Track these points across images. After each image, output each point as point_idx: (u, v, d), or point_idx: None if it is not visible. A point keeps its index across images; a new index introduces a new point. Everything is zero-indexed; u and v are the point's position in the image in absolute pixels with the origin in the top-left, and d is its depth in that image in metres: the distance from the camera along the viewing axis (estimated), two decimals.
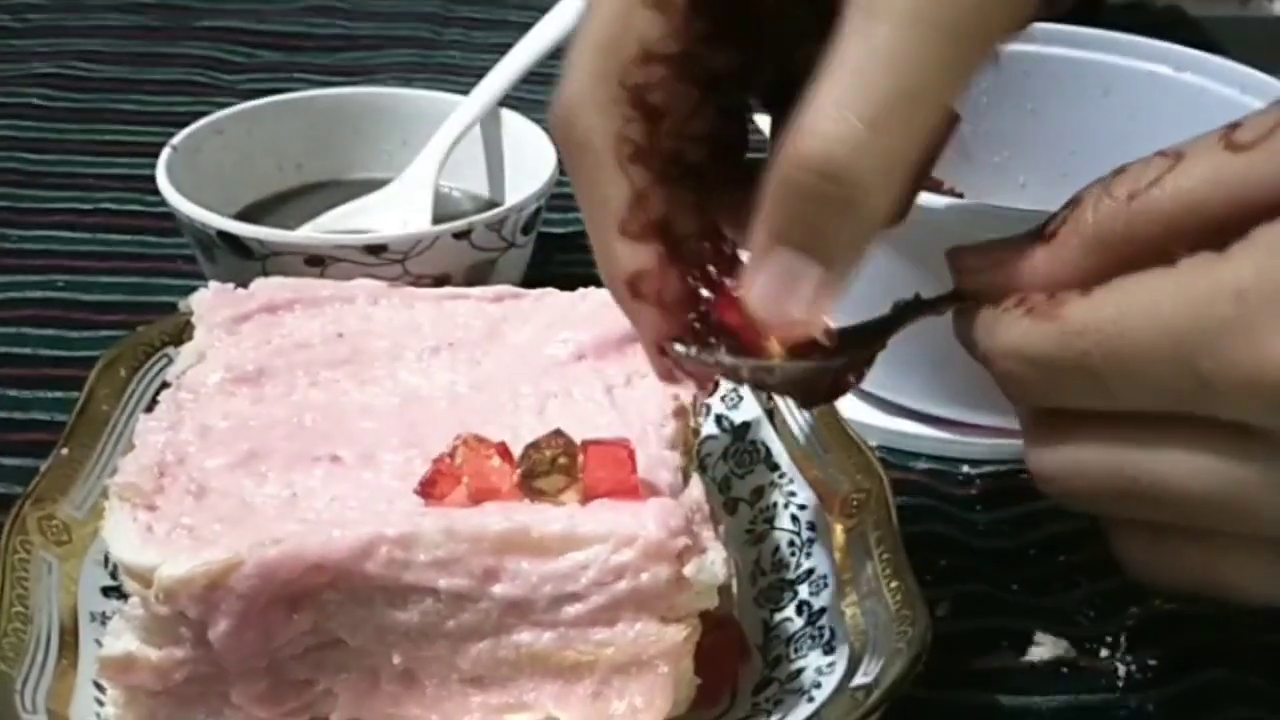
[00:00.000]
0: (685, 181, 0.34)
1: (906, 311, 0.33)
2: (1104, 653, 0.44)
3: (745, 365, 0.33)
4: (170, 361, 0.45)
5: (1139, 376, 0.28)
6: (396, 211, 0.62)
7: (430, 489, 0.36)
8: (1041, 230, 0.31)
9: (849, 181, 0.29)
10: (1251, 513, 0.29)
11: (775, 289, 0.31)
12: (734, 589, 0.43)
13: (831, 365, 0.33)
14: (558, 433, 0.36)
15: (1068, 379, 0.29)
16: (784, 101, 0.31)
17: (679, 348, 0.34)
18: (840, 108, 0.29)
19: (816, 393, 0.34)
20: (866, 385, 0.39)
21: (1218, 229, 0.29)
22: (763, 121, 0.38)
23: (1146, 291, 0.28)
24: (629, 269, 0.33)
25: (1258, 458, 0.28)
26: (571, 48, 0.33)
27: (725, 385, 0.48)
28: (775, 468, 0.47)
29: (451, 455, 0.36)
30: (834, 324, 0.34)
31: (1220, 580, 0.31)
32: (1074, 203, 0.31)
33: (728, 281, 0.34)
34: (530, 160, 0.61)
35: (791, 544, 0.44)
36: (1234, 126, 0.29)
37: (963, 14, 0.29)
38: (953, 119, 0.32)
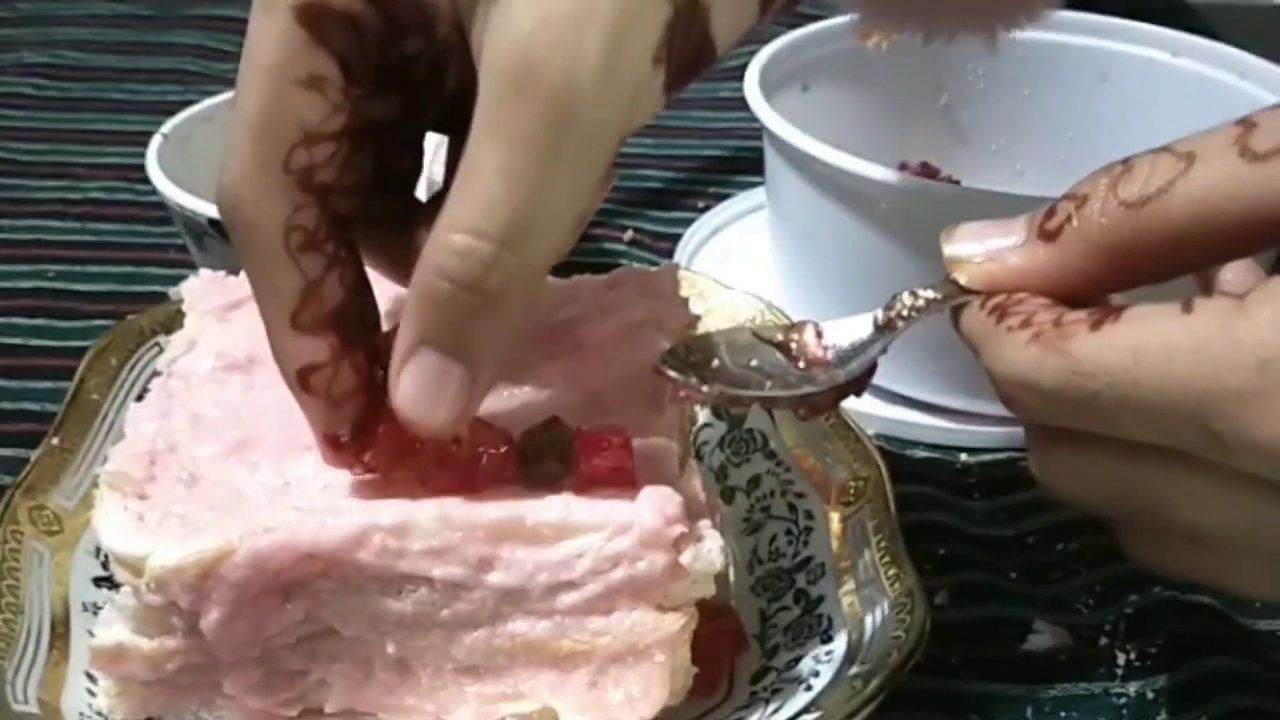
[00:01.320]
0: (340, 237, 0.34)
1: (902, 315, 0.33)
2: (1103, 641, 0.44)
3: (746, 395, 0.33)
4: (161, 350, 0.45)
5: (1150, 423, 0.28)
6: None
7: (425, 475, 0.35)
8: (1041, 225, 0.30)
9: (488, 293, 0.31)
10: (1260, 544, 0.29)
11: (421, 390, 0.32)
12: (731, 578, 0.43)
13: (833, 386, 0.33)
14: (553, 420, 0.36)
15: (1076, 411, 0.29)
16: (455, 121, 0.33)
17: (676, 375, 0.33)
18: (474, 228, 0.30)
19: (819, 409, 0.34)
20: None
21: (1231, 240, 0.28)
22: (431, 142, 0.38)
23: (1160, 340, 0.27)
24: (300, 362, 0.34)
25: (1270, 499, 0.28)
26: (232, 128, 0.33)
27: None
28: (772, 456, 0.46)
29: (455, 442, 0.35)
30: (829, 326, 0.34)
31: (1223, 582, 0.31)
32: (1077, 198, 0.30)
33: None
34: None
35: (789, 533, 0.44)
36: (1249, 126, 0.28)
37: (578, 131, 0.30)
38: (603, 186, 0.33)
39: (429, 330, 0.32)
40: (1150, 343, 0.27)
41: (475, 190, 0.31)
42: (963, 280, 0.31)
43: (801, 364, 0.34)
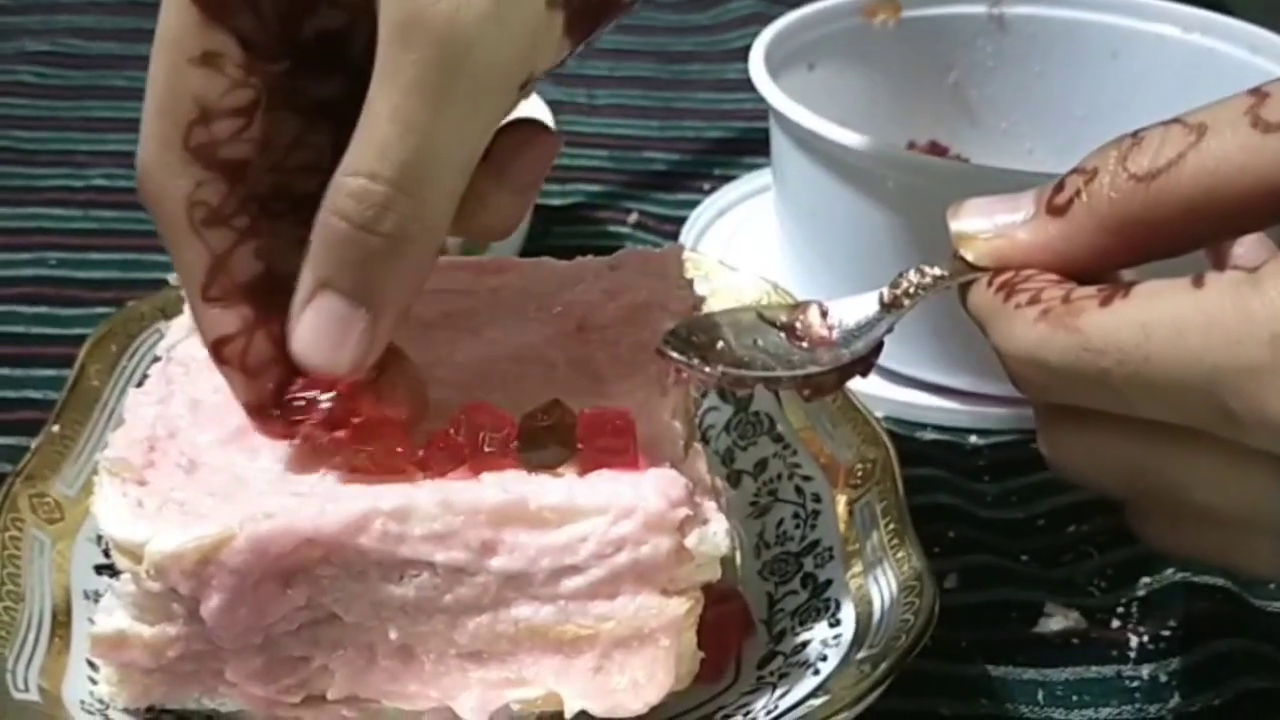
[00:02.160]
0: (296, 214, 0.34)
1: (909, 293, 0.32)
2: (1115, 624, 0.44)
3: (750, 375, 0.33)
4: (161, 336, 0.45)
5: (1162, 400, 0.27)
6: None
7: (430, 460, 0.35)
8: (1049, 200, 0.30)
9: (385, 234, 0.31)
10: (1272, 523, 0.28)
11: (320, 333, 0.33)
12: (738, 561, 0.43)
13: (838, 366, 0.33)
14: (555, 402, 0.35)
15: (1086, 388, 0.28)
16: None
17: (678, 356, 0.33)
18: (369, 170, 0.31)
19: (824, 389, 0.34)
20: None
21: (1243, 212, 0.27)
22: None
23: (1172, 316, 0.27)
24: (214, 334, 0.34)
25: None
26: (143, 107, 0.34)
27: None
28: (779, 439, 0.46)
29: (455, 427, 0.35)
30: (834, 305, 0.34)
31: (1235, 562, 0.30)
32: (1086, 172, 0.29)
33: None
34: None
35: (796, 516, 0.44)
36: (1261, 97, 0.27)
37: (468, 75, 0.30)
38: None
39: (330, 272, 0.32)
40: (1161, 318, 0.27)
41: (370, 134, 0.31)
42: (970, 257, 0.31)
43: (806, 344, 0.33)
